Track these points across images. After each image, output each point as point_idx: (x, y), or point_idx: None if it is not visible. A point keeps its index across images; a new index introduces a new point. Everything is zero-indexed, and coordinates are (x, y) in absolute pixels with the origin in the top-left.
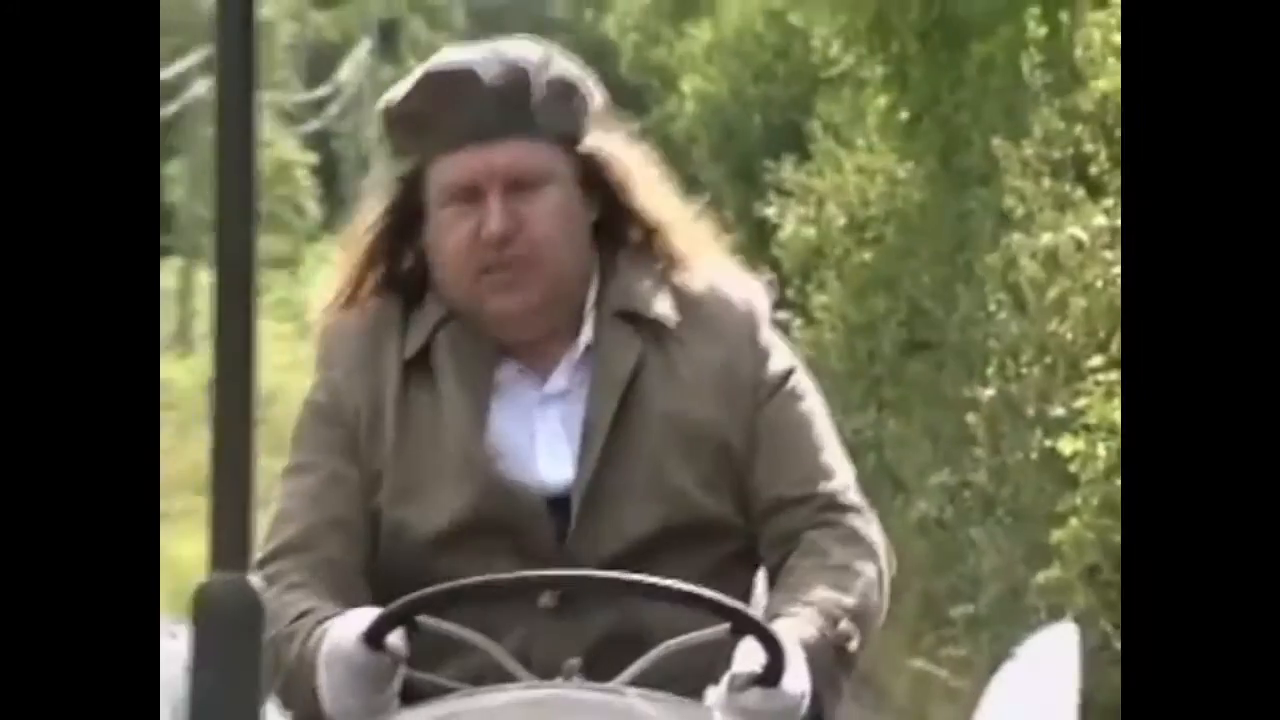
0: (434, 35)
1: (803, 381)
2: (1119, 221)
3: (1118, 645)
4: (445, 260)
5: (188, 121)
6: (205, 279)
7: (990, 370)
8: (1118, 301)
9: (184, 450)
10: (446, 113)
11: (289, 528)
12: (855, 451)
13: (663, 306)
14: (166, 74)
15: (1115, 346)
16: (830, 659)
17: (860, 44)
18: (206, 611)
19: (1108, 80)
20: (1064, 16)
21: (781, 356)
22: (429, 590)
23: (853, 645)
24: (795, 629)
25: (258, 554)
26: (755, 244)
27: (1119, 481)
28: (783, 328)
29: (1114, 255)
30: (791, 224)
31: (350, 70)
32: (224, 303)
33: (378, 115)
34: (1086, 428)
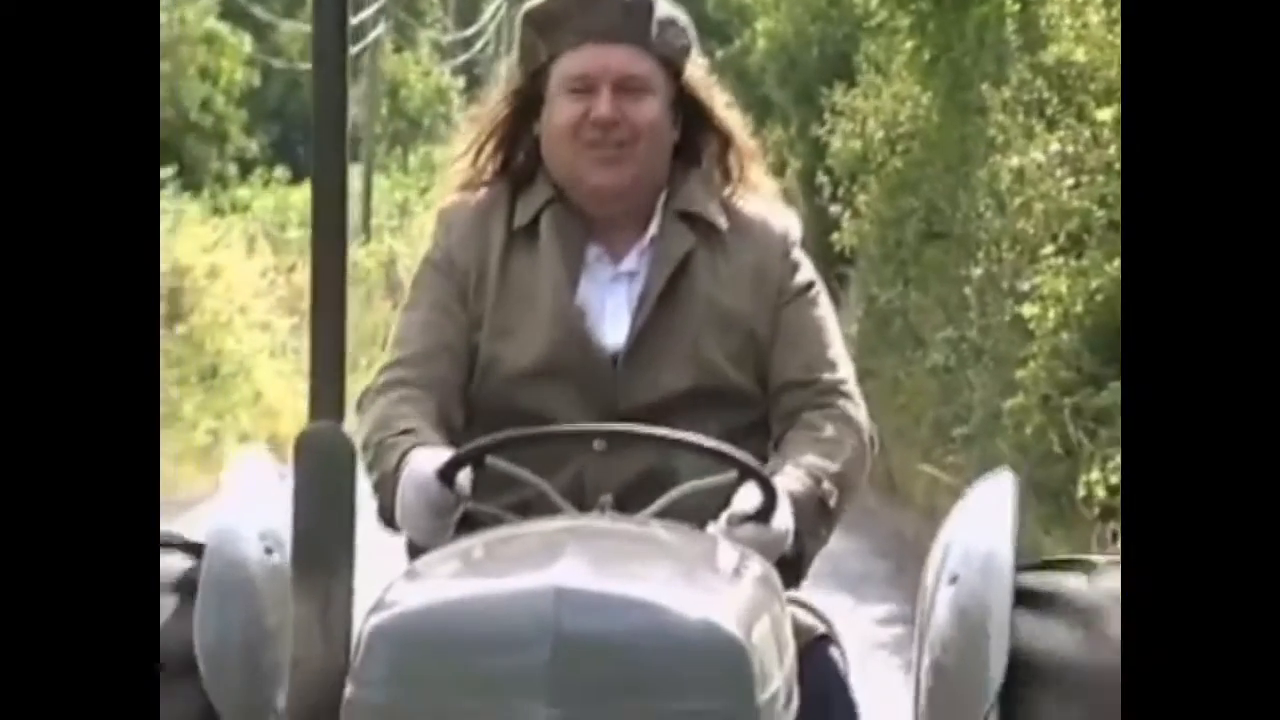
0: None
1: (820, 294)
2: (1068, 148)
3: (1060, 451)
4: (557, 136)
5: (367, 58)
6: (382, 182)
7: (980, 255)
8: (1066, 206)
9: (368, 316)
10: (581, 13)
11: (407, 347)
12: (887, 316)
13: (716, 214)
14: (354, 19)
15: (1063, 238)
16: (813, 510)
17: (891, 1)
18: (307, 454)
19: (1063, 45)
20: None
21: (806, 271)
22: (495, 437)
23: (833, 502)
24: (786, 484)
25: (380, 364)
26: (814, 154)
27: (1065, 335)
28: (835, 221)
29: (1063, 173)
30: (841, 138)
31: (490, 12)
32: (320, 196)
33: (518, 20)
34: (1041, 297)
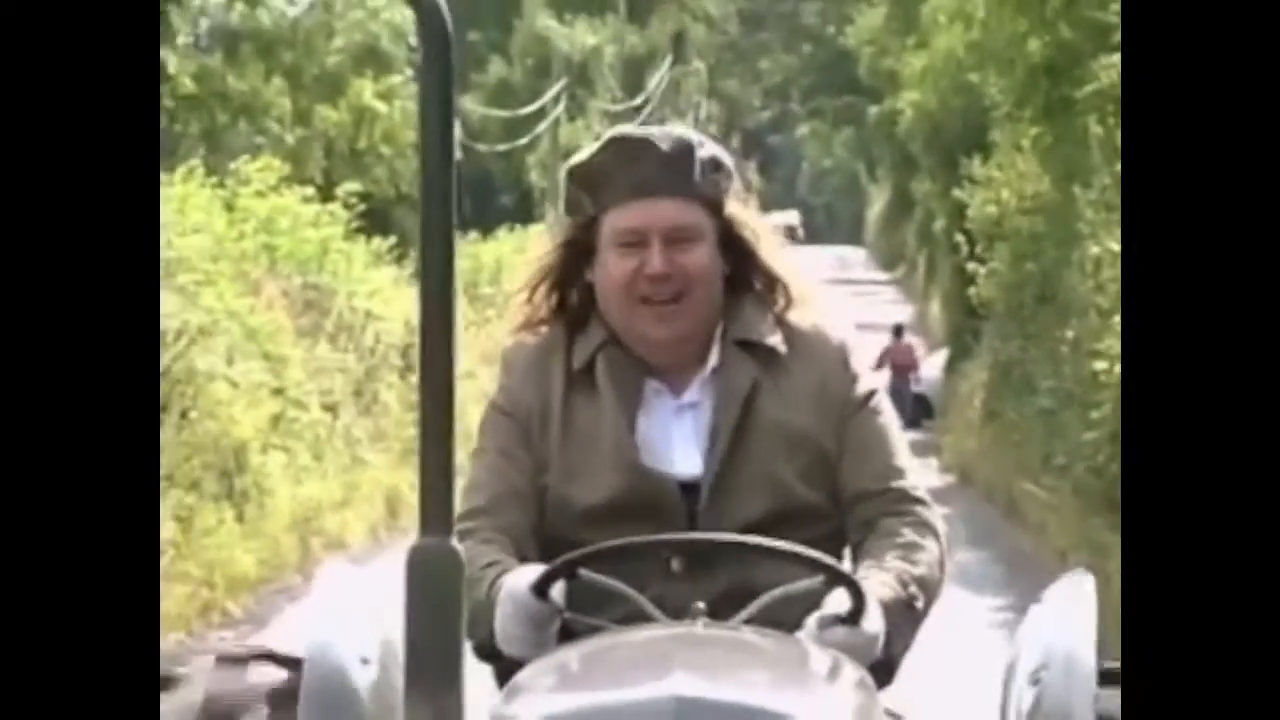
0: (710, 36)
1: (882, 401)
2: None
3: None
4: (611, 290)
5: (547, 132)
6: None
7: (1073, 320)
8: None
9: None
10: (625, 170)
11: (479, 495)
12: (1008, 367)
13: (774, 339)
14: (530, 108)
15: None
16: (901, 614)
17: (1012, 98)
18: (418, 570)
19: None
20: (1111, 120)
21: (866, 381)
22: (584, 550)
23: (919, 604)
24: (874, 589)
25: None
26: (954, 216)
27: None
28: (971, 277)
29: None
30: (978, 204)
31: (655, 81)
32: (427, 319)
33: (563, 175)
34: (1110, 356)
